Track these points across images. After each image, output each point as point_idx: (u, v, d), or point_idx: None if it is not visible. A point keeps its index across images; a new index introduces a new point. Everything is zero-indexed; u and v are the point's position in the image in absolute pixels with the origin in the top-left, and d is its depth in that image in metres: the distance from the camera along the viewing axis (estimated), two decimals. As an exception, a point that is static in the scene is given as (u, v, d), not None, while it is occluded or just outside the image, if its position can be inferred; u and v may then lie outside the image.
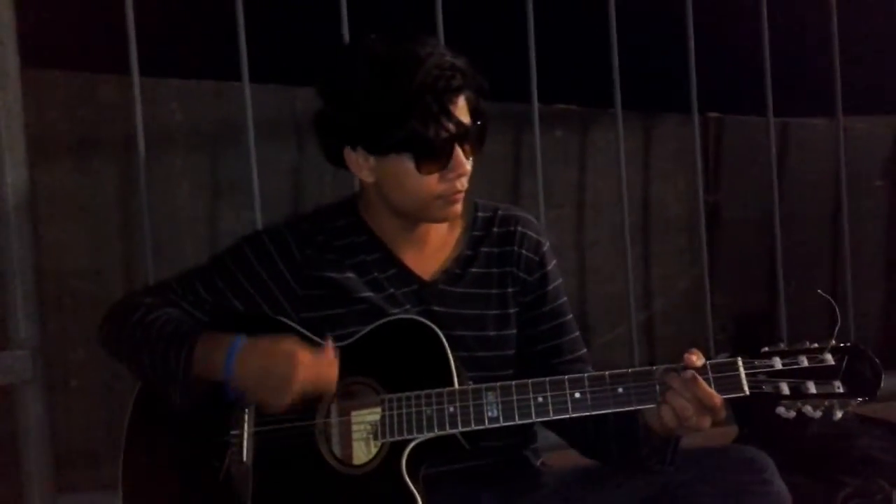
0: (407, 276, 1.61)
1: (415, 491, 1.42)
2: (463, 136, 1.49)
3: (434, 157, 1.48)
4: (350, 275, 1.58)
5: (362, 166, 1.54)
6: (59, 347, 2.18)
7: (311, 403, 1.47)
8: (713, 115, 3.30)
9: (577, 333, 1.70)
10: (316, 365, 1.43)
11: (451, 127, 1.47)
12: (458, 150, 1.49)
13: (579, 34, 2.71)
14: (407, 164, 1.49)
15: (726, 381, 1.38)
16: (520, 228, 1.66)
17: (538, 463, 1.71)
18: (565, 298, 1.70)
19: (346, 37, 2.24)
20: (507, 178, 2.94)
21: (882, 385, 1.37)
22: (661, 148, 3.26)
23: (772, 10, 2.79)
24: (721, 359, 1.40)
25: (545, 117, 2.69)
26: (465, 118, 1.50)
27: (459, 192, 1.53)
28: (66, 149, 2.36)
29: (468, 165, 1.51)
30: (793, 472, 1.54)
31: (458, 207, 1.56)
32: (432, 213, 1.55)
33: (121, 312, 1.58)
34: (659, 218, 3.26)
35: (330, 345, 1.46)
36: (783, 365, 1.37)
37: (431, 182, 1.50)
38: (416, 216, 1.57)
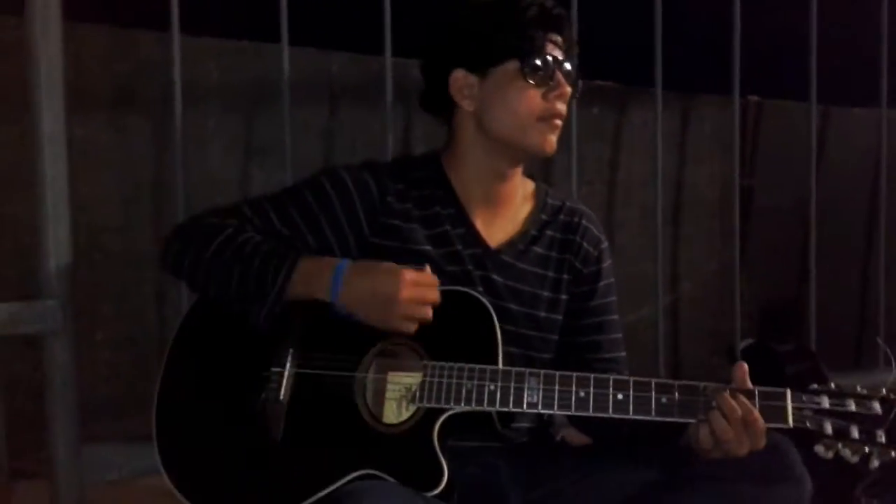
0: (475, 238, 1.62)
1: (442, 459, 1.43)
2: (565, 62, 1.59)
3: (540, 66, 1.56)
4: (415, 226, 1.60)
5: (465, 92, 1.60)
6: (87, 300, 2.20)
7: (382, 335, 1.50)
8: (753, 98, 3.24)
9: (620, 335, 1.71)
10: (418, 284, 1.47)
11: (555, 47, 1.58)
12: (560, 74, 1.57)
13: (622, 10, 2.67)
14: (512, 74, 1.56)
15: (772, 410, 1.39)
16: (584, 222, 1.70)
17: (558, 438, 1.72)
18: (614, 298, 1.72)
19: (388, 6, 2.22)
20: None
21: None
22: (698, 129, 3.22)
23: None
24: (767, 388, 1.40)
25: (583, 93, 2.64)
26: (567, 52, 1.61)
27: (559, 115, 1.59)
28: (102, 103, 2.36)
29: (569, 90, 1.58)
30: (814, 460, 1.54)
31: (554, 139, 1.60)
32: (531, 138, 1.59)
33: (201, 231, 1.57)
34: (691, 200, 3.23)
35: (428, 268, 1.50)
36: (830, 405, 1.38)
37: (535, 97, 1.56)
38: (515, 143, 1.60)
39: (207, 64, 2.48)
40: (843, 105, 3.36)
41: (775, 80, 3.14)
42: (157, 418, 1.55)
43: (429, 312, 1.48)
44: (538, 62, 1.56)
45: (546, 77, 1.56)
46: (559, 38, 1.59)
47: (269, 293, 1.48)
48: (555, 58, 1.57)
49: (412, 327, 1.48)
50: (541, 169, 2.89)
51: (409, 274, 1.47)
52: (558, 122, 1.59)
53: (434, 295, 1.48)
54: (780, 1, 2.85)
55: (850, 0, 2.91)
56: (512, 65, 1.56)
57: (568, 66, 1.59)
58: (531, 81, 1.56)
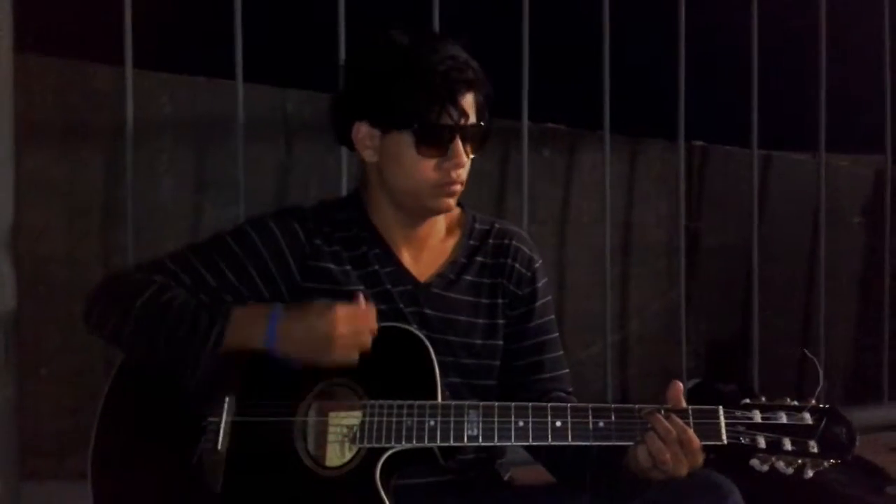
0: (403, 275, 1.62)
1: (385, 499, 1.42)
2: (464, 129, 1.53)
3: (433, 140, 1.53)
4: (347, 267, 1.60)
5: (367, 143, 1.58)
6: (31, 334, 2.16)
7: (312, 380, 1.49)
8: (698, 143, 3.34)
9: (561, 353, 1.71)
10: (354, 317, 1.47)
11: (455, 115, 1.52)
12: (458, 142, 1.53)
13: (572, 55, 2.74)
14: (408, 142, 1.53)
15: (706, 427, 1.40)
16: (514, 243, 1.69)
17: (506, 477, 1.72)
18: (552, 317, 1.72)
19: (343, 43, 2.25)
20: (492, 192, 2.96)
21: (854, 422, 1.40)
22: (645, 172, 3.29)
23: (762, 45, 2.83)
24: (700, 406, 1.42)
25: (534, 135, 2.71)
26: (471, 114, 1.55)
27: (454, 183, 1.56)
28: (54, 135, 2.34)
29: (465, 159, 1.55)
30: (756, 501, 1.56)
31: (452, 201, 1.59)
32: (427, 202, 1.58)
33: (123, 290, 1.54)
34: (639, 241, 3.28)
35: (361, 298, 1.49)
36: (762, 419, 1.40)
37: (428, 167, 1.54)
38: (411, 203, 1.59)
39: (160, 97, 2.48)
40: (784, 149, 3.47)
41: (719, 127, 3.24)
42: (93, 466, 1.52)
43: (367, 340, 1.48)
44: (432, 135, 1.52)
45: (441, 148, 1.53)
46: (467, 99, 1.53)
47: (202, 352, 1.46)
48: (454, 126, 1.51)
49: (354, 356, 1.47)
50: (493, 207, 2.93)
51: (343, 309, 1.47)
52: (455, 188, 1.57)
53: (370, 322, 1.48)
54: (724, 49, 2.95)
55: (791, 48, 3.02)
56: (406, 134, 1.53)
57: (470, 131, 1.54)
58: (423, 154, 1.53)
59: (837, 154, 3.40)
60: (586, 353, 3.00)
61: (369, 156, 1.59)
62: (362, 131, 1.58)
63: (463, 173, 1.56)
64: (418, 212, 1.61)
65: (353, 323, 1.47)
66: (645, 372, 3.29)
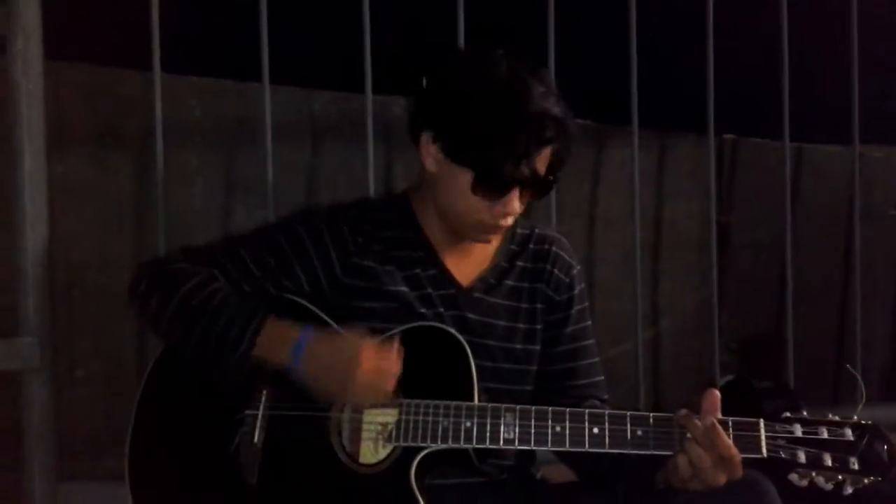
0: (446, 278, 1.62)
1: (420, 499, 1.43)
2: (527, 182, 1.50)
3: (491, 188, 1.50)
4: (390, 267, 1.60)
5: (432, 157, 1.56)
6: (66, 337, 2.19)
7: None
8: (729, 136, 3.29)
9: (597, 359, 1.71)
10: (379, 357, 1.45)
11: (525, 172, 1.49)
12: (517, 192, 1.51)
13: (599, 50, 2.71)
14: (466, 179, 1.51)
15: (746, 440, 1.40)
16: (554, 248, 1.70)
17: (539, 475, 1.71)
18: (589, 323, 1.72)
19: (368, 45, 2.25)
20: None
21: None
22: (675, 167, 3.26)
23: (792, 35, 2.79)
24: (740, 418, 1.41)
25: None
26: (542, 167, 1.51)
27: (500, 227, 1.56)
28: (84, 141, 2.37)
29: (518, 208, 1.53)
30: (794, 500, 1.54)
31: (493, 238, 1.59)
32: (467, 232, 1.59)
33: (168, 277, 1.55)
34: (669, 236, 3.25)
35: (397, 341, 1.47)
36: (803, 433, 1.40)
37: (479, 207, 1.52)
38: (453, 224, 1.60)
39: (189, 101, 2.50)
40: (816, 142, 3.42)
41: (750, 119, 3.19)
42: (130, 461, 1.53)
43: (387, 385, 1.46)
44: (492, 184, 1.50)
45: (495, 196, 1.51)
46: (543, 155, 1.50)
47: (235, 353, 1.47)
48: (517, 179, 1.49)
49: (370, 398, 1.46)
50: (521, 205, 2.91)
51: (370, 347, 1.45)
52: (499, 230, 1.57)
53: (395, 366, 1.46)
54: (754, 40, 2.91)
55: (822, 38, 2.98)
56: (467, 172, 1.50)
57: (534, 185, 1.51)
58: (477, 194, 1.51)
59: (872, 145, 3.34)
60: (617, 351, 2.98)
61: (430, 164, 1.57)
62: (428, 143, 1.56)
63: (511, 219, 1.55)
64: (457, 232, 1.61)
65: (378, 363, 1.45)
66: (677, 369, 3.26)
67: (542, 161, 1.51)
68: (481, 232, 1.57)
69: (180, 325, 1.52)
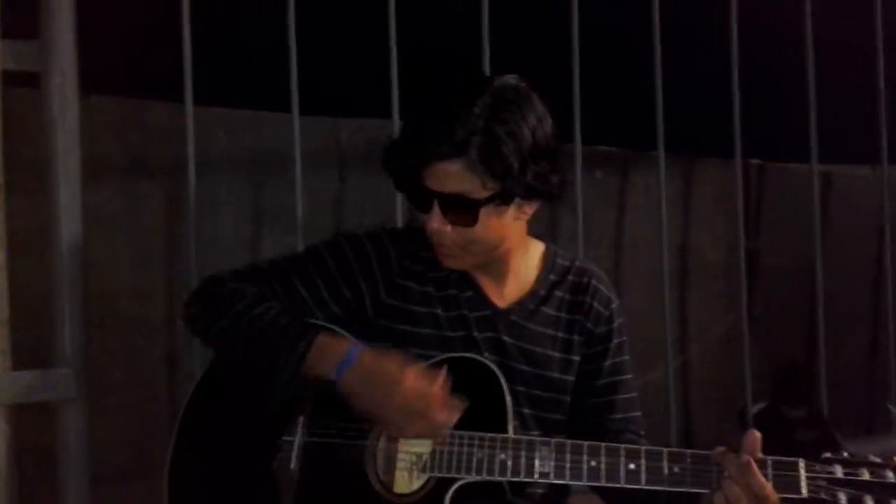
0: (483, 300, 1.63)
1: None
2: (437, 193, 1.49)
3: (409, 197, 1.57)
4: (429, 288, 1.61)
5: None
6: (97, 365, 2.20)
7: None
8: (754, 161, 3.28)
9: (635, 394, 1.70)
10: (424, 382, 1.44)
11: (428, 184, 1.49)
12: (435, 209, 1.50)
13: (624, 77, 2.72)
14: None
15: (785, 479, 1.38)
16: (593, 282, 1.69)
17: (568, 506, 1.70)
18: (627, 358, 1.71)
19: (395, 73, 2.27)
20: (545, 215, 2.94)
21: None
22: (700, 192, 3.25)
23: (818, 60, 2.78)
24: (780, 457, 1.40)
25: (586, 158, 2.69)
26: (442, 185, 1.48)
27: (439, 245, 1.55)
28: (114, 172, 2.40)
29: (437, 224, 1.50)
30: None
31: (445, 258, 1.57)
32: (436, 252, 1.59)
33: (220, 298, 1.56)
34: (696, 263, 3.24)
35: (444, 371, 1.47)
36: (844, 474, 1.38)
37: (424, 217, 1.55)
38: None
39: (216, 132, 2.53)
40: (843, 163, 3.39)
41: (776, 144, 3.18)
42: (169, 484, 1.54)
43: (429, 409, 1.44)
44: (402, 190, 1.58)
45: (420, 207, 1.53)
46: (438, 166, 1.46)
47: (284, 373, 1.47)
48: (429, 190, 1.49)
49: (408, 421, 1.44)
50: (547, 232, 2.92)
51: (414, 373, 1.45)
52: (440, 248, 1.55)
53: (439, 394, 1.45)
54: (779, 64, 2.91)
55: (848, 60, 2.97)
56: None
57: (434, 201, 1.49)
58: (417, 209, 1.56)
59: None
60: (645, 380, 2.95)
61: None
62: None
63: (441, 237, 1.52)
64: None
65: (421, 388, 1.44)
66: (707, 397, 3.22)
67: (440, 176, 1.47)
68: (438, 251, 1.57)
69: (230, 348, 1.54)
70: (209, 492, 1.53)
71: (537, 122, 1.50)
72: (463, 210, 1.49)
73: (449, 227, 1.50)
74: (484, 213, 1.50)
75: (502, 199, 1.49)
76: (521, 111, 1.48)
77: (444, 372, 1.47)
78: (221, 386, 1.59)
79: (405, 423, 1.46)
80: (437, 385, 1.45)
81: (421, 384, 1.44)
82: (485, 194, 1.48)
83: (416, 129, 1.51)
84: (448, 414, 1.45)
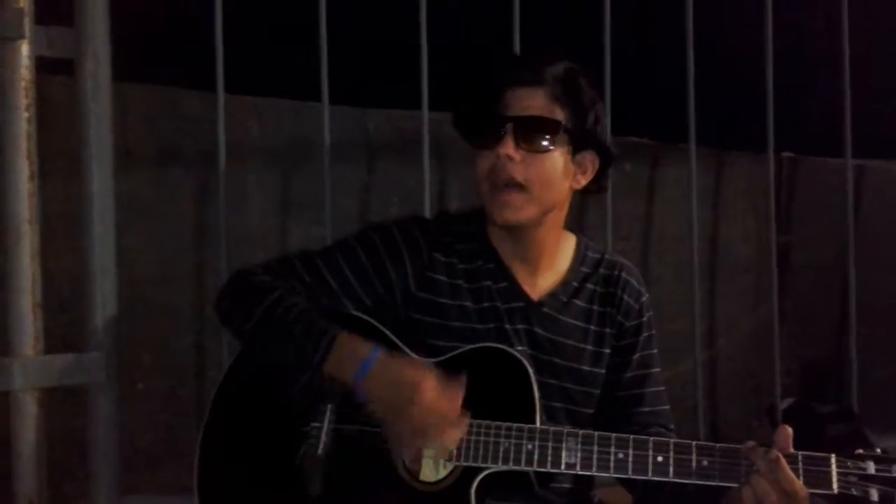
0: (516, 292, 1.62)
1: None
2: (511, 121, 1.51)
3: (474, 132, 1.55)
4: (459, 281, 1.60)
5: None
6: (127, 351, 2.23)
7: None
8: (787, 154, 3.24)
9: (662, 388, 1.70)
10: (439, 397, 1.43)
11: (502, 111, 1.51)
12: (510, 133, 1.51)
13: (655, 68, 2.70)
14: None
15: (816, 474, 1.37)
16: (624, 275, 1.69)
17: (595, 500, 1.70)
18: (655, 351, 1.71)
19: (425, 64, 2.27)
20: (574, 208, 2.91)
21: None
22: (731, 186, 3.21)
23: (853, 53, 2.74)
24: (811, 452, 1.39)
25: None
26: (521, 110, 1.51)
27: (497, 178, 1.52)
28: (145, 159, 2.42)
29: (509, 150, 1.50)
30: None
31: (501, 206, 1.54)
32: (486, 203, 1.56)
33: (251, 291, 1.57)
34: (726, 256, 3.21)
35: (464, 378, 1.45)
36: (876, 470, 1.37)
37: (483, 168, 1.54)
38: (486, 207, 1.58)
39: (247, 121, 2.54)
40: (877, 158, 3.34)
41: (808, 137, 3.14)
42: (199, 470, 1.56)
43: (443, 419, 1.43)
44: (471, 128, 1.56)
45: (488, 140, 1.52)
46: (516, 92, 1.52)
47: (308, 368, 1.47)
48: (503, 117, 1.51)
49: (423, 430, 1.43)
50: (575, 223, 2.89)
51: (432, 381, 1.43)
52: (501, 184, 1.52)
53: (455, 403, 1.44)
54: (813, 57, 2.87)
55: (882, 50, 2.92)
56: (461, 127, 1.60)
57: (509, 125, 1.51)
58: (476, 147, 1.55)
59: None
60: (673, 372, 2.93)
61: None
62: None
63: (511, 168, 1.51)
64: (490, 215, 1.59)
65: (438, 397, 1.43)
66: (735, 392, 3.20)
67: (519, 101, 1.52)
68: (492, 193, 1.54)
69: (260, 339, 1.54)
70: (238, 477, 1.55)
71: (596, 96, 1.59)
72: (539, 132, 1.51)
73: (519, 157, 1.50)
74: (557, 142, 1.52)
75: (574, 136, 1.53)
76: (589, 78, 1.58)
77: (462, 381, 1.45)
78: (251, 373, 1.60)
79: (412, 440, 1.45)
80: (455, 396, 1.44)
81: (435, 405, 1.42)
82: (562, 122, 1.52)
83: (499, 60, 1.57)
84: (457, 434, 1.45)
